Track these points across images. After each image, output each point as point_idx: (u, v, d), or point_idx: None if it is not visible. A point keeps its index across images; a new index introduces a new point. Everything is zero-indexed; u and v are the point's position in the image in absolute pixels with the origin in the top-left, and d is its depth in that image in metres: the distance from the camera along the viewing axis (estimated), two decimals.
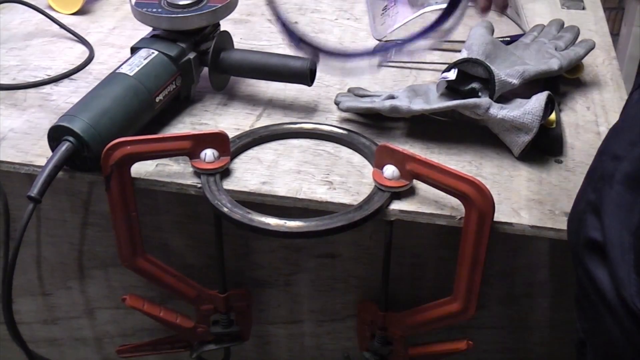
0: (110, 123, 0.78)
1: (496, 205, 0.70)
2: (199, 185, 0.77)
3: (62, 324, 0.96)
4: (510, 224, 0.74)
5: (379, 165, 0.77)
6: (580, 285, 0.62)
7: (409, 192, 0.76)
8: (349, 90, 0.92)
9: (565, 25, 1.01)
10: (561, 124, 0.87)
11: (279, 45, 1.06)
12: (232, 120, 0.89)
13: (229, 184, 0.78)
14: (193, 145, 0.77)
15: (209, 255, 0.85)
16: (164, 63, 0.86)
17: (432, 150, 0.84)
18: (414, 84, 0.91)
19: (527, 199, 0.77)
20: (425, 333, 0.82)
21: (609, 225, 0.58)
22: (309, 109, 0.92)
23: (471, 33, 0.90)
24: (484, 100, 0.81)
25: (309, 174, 0.80)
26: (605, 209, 0.59)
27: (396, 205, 0.75)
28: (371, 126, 0.88)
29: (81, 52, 1.03)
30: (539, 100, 0.81)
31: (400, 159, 0.75)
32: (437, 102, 0.83)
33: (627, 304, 0.55)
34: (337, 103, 0.88)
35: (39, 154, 0.81)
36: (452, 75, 0.82)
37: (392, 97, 0.86)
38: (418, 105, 0.82)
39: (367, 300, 0.84)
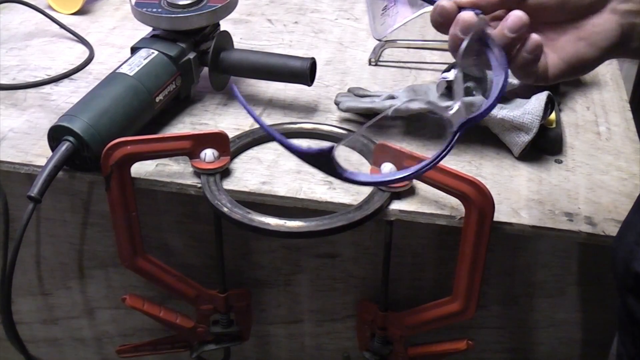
0: (110, 123, 0.78)
1: (496, 205, 0.70)
2: (199, 185, 0.77)
3: (62, 324, 0.96)
4: (510, 224, 0.74)
5: (377, 164, 0.77)
6: (627, 312, 0.61)
7: (408, 192, 0.76)
8: (349, 91, 0.92)
9: None
10: (561, 124, 0.87)
11: (279, 45, 1.06)
12: (232, 120, 0.89)
13: (229, 184, 0.78)
14: (193, 145, 0.77)
15: (209, 255, 0.85)
16: (164, 63, 0.86)
17: (431, 150, 0.84)
18: (414, 84, 0.91)
19: (527, 199, 0.77)
20: (425, 333, 0.82)
21: None
22: (309, 109, 0.92)
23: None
24: (482, 99, 0.81)
25: (309, 174, 0.80)
26: None
27: (396, 205, 0.75)
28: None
29: (81, 52, 1.03)
30: (538, 100, 0.81)
31: (398, 158, 0.75)
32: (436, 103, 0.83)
33: None
34: (337, 103, 0.88)
35: (39, 154, 0.81)
36: (452, 75, 0.82)
37: (392, 97, 0.86)
38: (417, 105, 0.82)
39: (367, 300, 0.84)
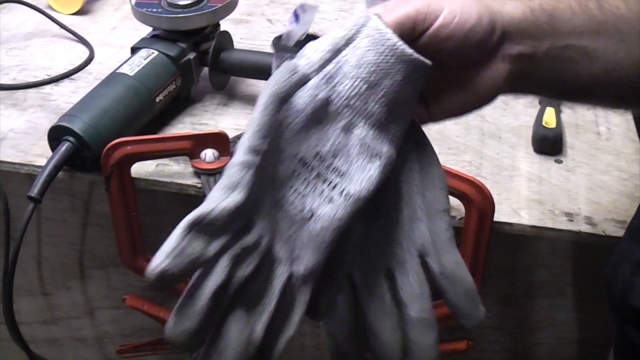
0: (110, 123, 0.78)
1: (496, 205, 0.70)
2: (199, 185, 0.77)
3: (62, 324, 0.96)
4: (510, 224, 0.74)
5: None
6: (625, 340, 0.60)
7: None
8: None
9: None
10: (561, 124, 0.87)
11: None
12: (232, 120, 0.89)
13: None
14: (193, 145, 0.77)
15: None
16: (164, 63, 0.86)
17: None
18: None
19: (527, 199, 0.77)
20: None
21: None
22: None
23: None
24: None
25: None
26: None
27: None
28: None
29: (81, 52, 1.03)
30: None
31: None
32: None
33: None
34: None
35: (39, 154, 0.81)
36: None
37: None
38: None
39: None
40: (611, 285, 0.60)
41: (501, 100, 0.94)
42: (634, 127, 0.90)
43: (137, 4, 0.89)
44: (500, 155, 0.84)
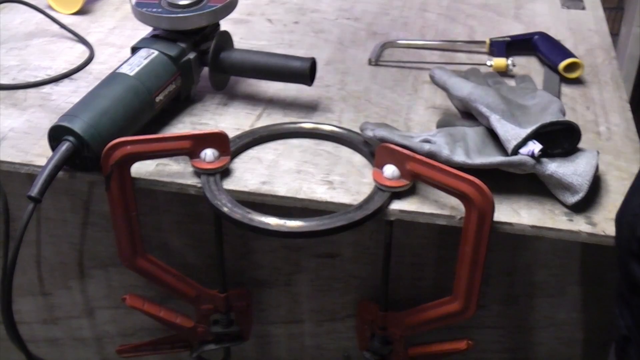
0: (110, 123, 0.78)
1: (496, 205, 0.70)
2: (199, 185, 0.77)
3: (62, 323, 0.96)
4: (510, 224, 0.74)
5: (379, 165, 0.77)
6: (627, 281, 0.60)
7: (409, 192, 0.76)
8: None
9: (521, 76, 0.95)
10: None
11: (279, 45, 1.06)
12: (232, 120, 0.89)
13: (229, 184, 0.78)
14: (193, 145, 0.77)
15: (209, 255, 0.85)
16: (164, 63, 0.86)
17: None
18: (449, 127, 0.82)
19: (527, 198, 0.77)
20: (425, 333, 0.82)
21: None
22: (309, 109, 0.92)
23: (476, 91, 0.82)
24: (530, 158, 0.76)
25: (309, 173, 0.80)
26: None
27: (396, 205, 0.75)
28: None
29: (81, 52, 1.03)
30: (590, 163, 0.76)
31: (400, 159, 0.75)
32: (480, 158, 0.77)
33: None
34: (362, 129, 0.82)
35: (39, 154, 0.81)
36: (537, 147, 0.76)
37: (427, 140, 0.79)
38: (459, 157, 0.76)
39: (367, 300, 0.84)
40: (620, 220, 0.61)
41: None
42: (634, 127, 0.90)
43: (137, 4, 0.90)
44: None
